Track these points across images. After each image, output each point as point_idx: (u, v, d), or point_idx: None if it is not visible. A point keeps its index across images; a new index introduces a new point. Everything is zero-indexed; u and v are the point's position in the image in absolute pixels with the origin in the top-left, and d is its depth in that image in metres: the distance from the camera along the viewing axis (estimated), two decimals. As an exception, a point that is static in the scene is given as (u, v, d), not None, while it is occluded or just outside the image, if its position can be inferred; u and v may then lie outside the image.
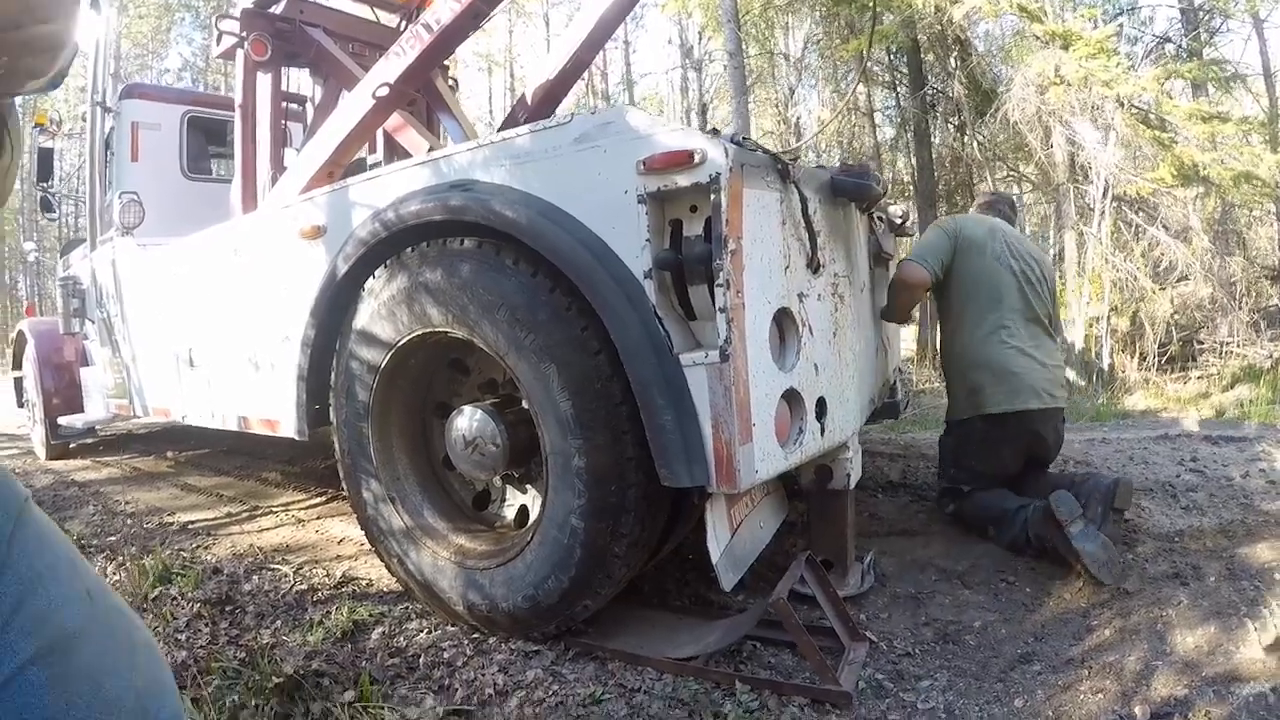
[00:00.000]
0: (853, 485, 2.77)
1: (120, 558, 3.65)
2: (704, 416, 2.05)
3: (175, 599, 3.09)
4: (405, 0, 4.51)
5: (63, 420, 6.42)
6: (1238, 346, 8.11)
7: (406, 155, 4.11)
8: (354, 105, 3.65)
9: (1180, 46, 10.39)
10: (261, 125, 4.24)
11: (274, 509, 4.64)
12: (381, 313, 2.68)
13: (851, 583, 2.84)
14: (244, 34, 4.10)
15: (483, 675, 2.39)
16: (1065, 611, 2.71)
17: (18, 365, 7.64)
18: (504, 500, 2.99)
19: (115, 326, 5.13)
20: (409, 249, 2.58)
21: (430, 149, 3.88)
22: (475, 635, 2.66)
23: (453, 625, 2.75)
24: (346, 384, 2.87)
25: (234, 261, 3.64)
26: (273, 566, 3.51)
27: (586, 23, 3.68)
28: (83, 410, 6.35)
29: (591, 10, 3.61)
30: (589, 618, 2.51)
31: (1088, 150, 7.93)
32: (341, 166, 3.82)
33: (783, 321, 2.26)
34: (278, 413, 3.36)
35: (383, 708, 2.19)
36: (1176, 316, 8.49)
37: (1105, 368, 8.24)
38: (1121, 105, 7.53)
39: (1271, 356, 7.83)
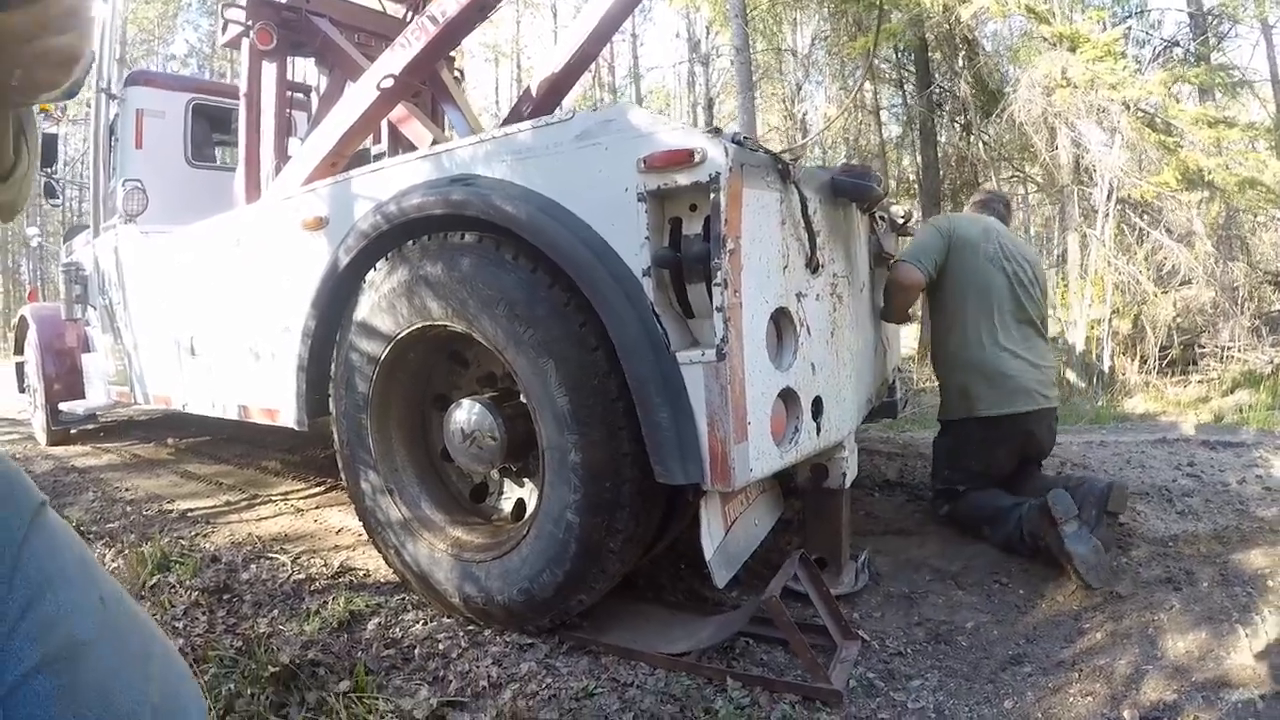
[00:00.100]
0: (848, 484, 2.78)
1: (119, 545, 3.68)
2: (699, 414, 2.06)
3: (173, 587, 3.11)
4: (411, -9, 4.52)
5: (64, 406, 6.43)
6: (1239, 351, 8.10)
7: (411, 147, 4.12)
8: (358, 96, 3.65)
9: (1188, 51, 10.36)
10: (266, 114, 4.25)
11: (273, 498, 4.66)
12: (382, 305, 2.69)
13: (846, 581, 2.85)
14: (250, 22, 4.10)
15: (477, 667, 2.40)
16: (1057, 614, 2.71)
17: (20, 350, 7.66)
18: (501, 493, 3.01)
19: (117, 313, 5.14)
20: (410, 242, 2.59)
21: (434, 141, 3.89)
22: (470, 627, 2.68)
23: (448, 617, 2.76)
24: (346, 375, 2.88)
25: (236, 251, 3.65)
26: (271, 555, 3.53)
27: (593, 16, 3.68)
28: (84, 396, 6.36)
29: (598, 4, 3.61)
30: (583, 612, 2.52)
31: (1093, 153, 7.91)
32: (345, 157, 3.82)
33: (780, 321, 2.27)
34: (278, 402, 3.38)
35: (377, 698, 2.20)
36: (1178, 320, 8.48)
37: (1106, 370, 8.23)
38: (1127, 108, 7.52)
39: (1272, 362, 7.82)
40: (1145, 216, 8.36)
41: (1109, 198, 8.00)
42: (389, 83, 3.48)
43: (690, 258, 2.04)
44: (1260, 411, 6.26)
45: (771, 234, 2.18)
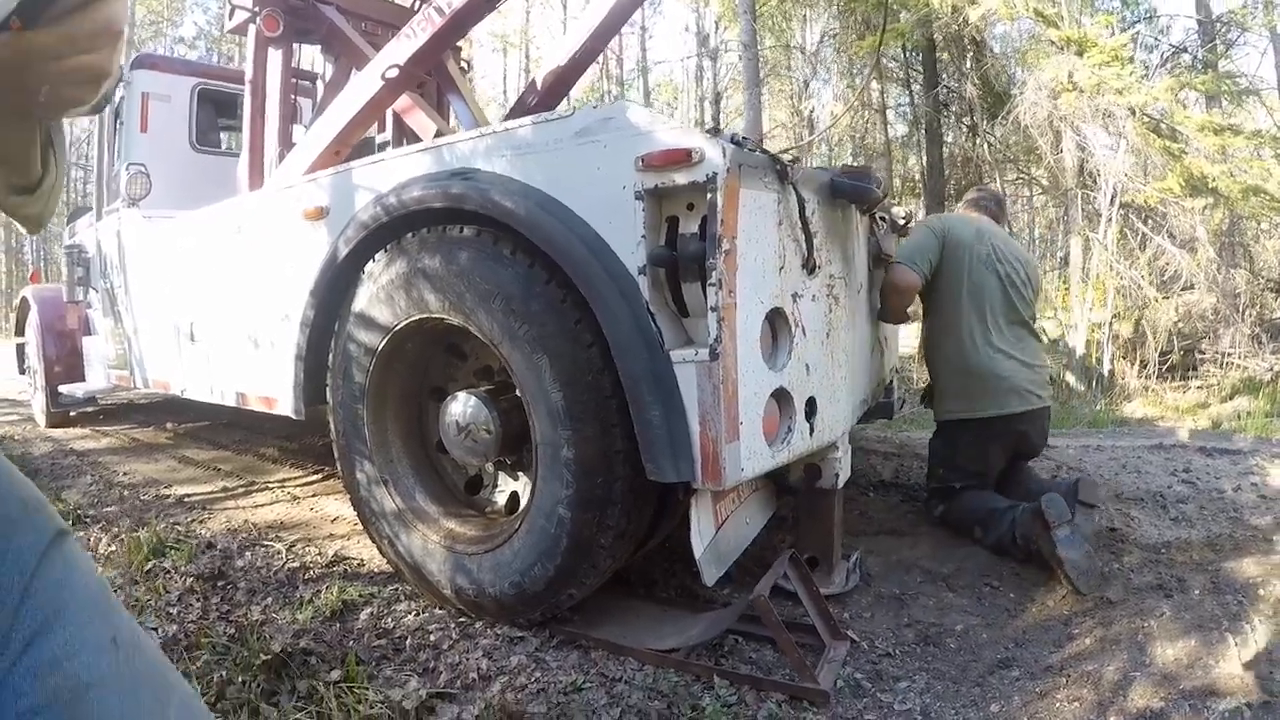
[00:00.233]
0: (841, 485, 2.79)
1: (115, 529, 3.69)
2: (692, 413, 2.07)
3: (168, 573, 3.12)
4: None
5: (64, 388, 6.45)
6: (1239, 358, 8.10)
7: (415, 137, 4.12)
8: (362, 86, 3.65)
9: (1196, 57, 10.33)
10: (271, 102, 4.25)
11: (270, 485, 4.67)
12: (380, 296, 2.69)
13: (837, 581, 2.85)
14: (257, 9, 4.10)
15: (467, 659, 2.41)
16: (1047, 618, 2.72)
17: (21, 331, 7.66)
18: (496, 486, 3.02)
19: (118, 297, 5.15)
20: (409, 234, 2.60)
21: (438, 132, 3.90)
22: (462, 619, 2.69)
23: (440, 608, 2.77)
24: (344, 365, 2.89)
25: (237, 238, 3.65)
26: (266, 543, 3.54)
27: (600, 9, 3.68)
28: (84, 379, 6.37)
29: None
30: (574, 606, 2.54)
31: (1097, 157, 7.90)
32: (349, 146, 3.82)
33: (775, 321, 2.27)
34: (275, 391, 3.39)
35: (367, 688, 2.21)
36: (1179, 325, 8.48)
37: (1105, 374, 8.24)
38: (1133, 114, 7.50)
39: (1272, 370, 7.81)
40: (1149, 221, 8.35)
41: (1112, 202, 7.99)
42: (394, 73, 3.48)
43: (686, 257, 2.04)
44: (1258, 418, 6.26)
45: (768, 234, 2.19)
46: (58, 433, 6.74)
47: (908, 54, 12.28)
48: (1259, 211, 7.70)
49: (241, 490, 4.59)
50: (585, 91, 26.11)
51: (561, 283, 2.24)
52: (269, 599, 2.92)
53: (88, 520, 3.93)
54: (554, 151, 2.29)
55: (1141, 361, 8.29)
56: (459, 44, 4.86)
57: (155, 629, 2.57)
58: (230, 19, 4.31)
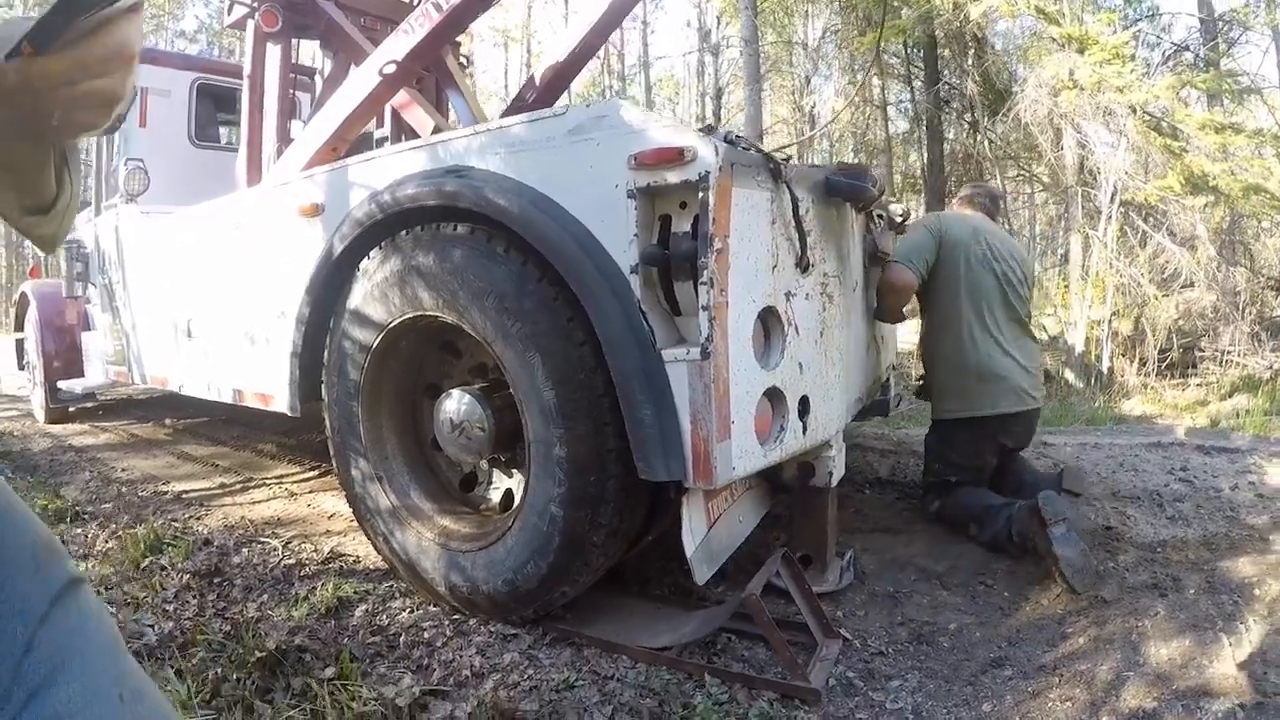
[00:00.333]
0: (834, 483, 2.79)
1: (113, 526, 3.69)
2: (683, 412, 2.07)
3: (165, 569, 3.12)
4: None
5: (63, 384, 6.45)
6: (1238, 356, 8.09)
7: (413, 133, 4.12)
8: (360, 82, 3.65)
9: (1198, 56, 10.31)
10: (269, 97, 4.25)
11: (267, 481, 4.68)
12: (375, 294, 2.69)
13: (830, 579, 2.86)
14: (255, 4, 4.09)
15: (460, 656, 2.42)
16: (1041, 617, 2.72)
17: (20, 326, 7.65)
18: (490, 483, 3.02)
19: (117, 293, 5.15)
20: (403, 232, 2.60)
21: (436, 128, 3.89)
22: (456, 616, 2.69)
23: (434, 606, 2.78)
24: (339, 362, 2.89)
25: (234, 235, 3.65)
26: (262, 540, 3.55)
27: (599, 4, 3.67)
28: (83, 375, 6.37)
29: None
30: (567, 604, 2.54)
31: (1098, 154, 7.89)
32: (346, 142, 3.82)
33: (768, 320, 2.27)
34: (271, 387, 3.39)
35: (361, 685, 2.22)
36: (1179, 323, 8.47)
37: (1105, 371, 8.23)
38: (1134, 112, 7.49)
39: (1271, 368, 7.81)
40: (1149, 219, 8.34)
41: (1113, 200, 7.98)
42: (391, 69, 3.48)
43: (678, 255, 2.04)
44: (1257, 417, 6.25)
45: (761, 233, 2.18)
46: (56, 428, 6.74)
47: (909, 50, 12.27)
48: (1259, 210, 7.68)
49: (239, 486, 4.60)
50: (586, 86, 26.09)
51: (554, 281, 2.24)
52: (265, 596, 2.93)
53: (85, 516, 3.93)
54: (547, 149, 2.29)
55: (1140, 359, 8.29)
56: (458, 39, 4.86)
57: (151, 626, 2.57)
58: (229, 14, 4.30)
